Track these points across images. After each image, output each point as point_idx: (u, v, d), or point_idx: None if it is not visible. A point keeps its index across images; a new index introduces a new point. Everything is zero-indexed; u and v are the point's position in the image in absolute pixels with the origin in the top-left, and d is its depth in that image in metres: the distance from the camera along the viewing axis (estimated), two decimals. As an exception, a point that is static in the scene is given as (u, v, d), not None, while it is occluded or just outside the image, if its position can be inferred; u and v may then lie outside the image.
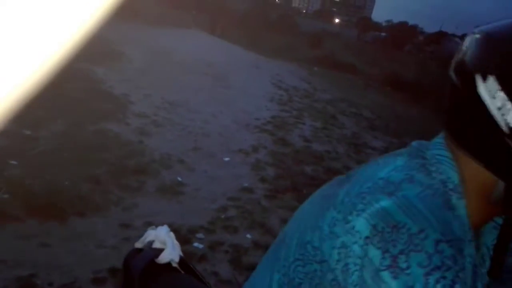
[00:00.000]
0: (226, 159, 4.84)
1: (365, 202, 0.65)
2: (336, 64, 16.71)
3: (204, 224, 3.36)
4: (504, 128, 0.62)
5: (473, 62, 0.66)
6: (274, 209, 3.91)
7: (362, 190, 0.68)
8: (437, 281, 0.56)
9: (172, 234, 1.09)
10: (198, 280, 1.07)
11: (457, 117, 0.70)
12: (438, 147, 0.72)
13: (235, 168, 4.64)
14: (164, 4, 14.89)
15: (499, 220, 0.73)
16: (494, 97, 0.62)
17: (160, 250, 1.05)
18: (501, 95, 0.62)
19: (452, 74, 0.70)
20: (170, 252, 1.04)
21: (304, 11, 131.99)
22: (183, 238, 3.02)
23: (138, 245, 1.09)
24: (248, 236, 3.36)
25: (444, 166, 0.69)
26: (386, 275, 0.58)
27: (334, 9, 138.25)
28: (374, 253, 0.60)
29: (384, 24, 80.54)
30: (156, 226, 1.14)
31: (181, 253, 1.07)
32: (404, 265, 0.57)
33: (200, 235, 3.19)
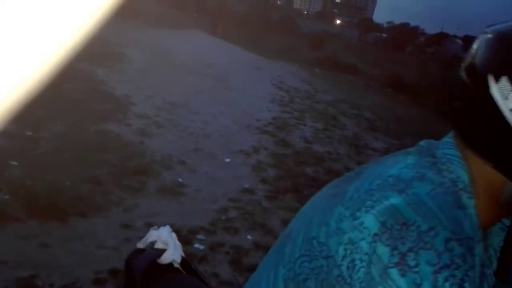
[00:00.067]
0: (227, 160, 4.83)
1: (374, 199, 0.65)
2: (337, 65, 16.72)
3: (204, 225, 3.35)
4: None
5: (485, 63, 0.66)
6: (274, 210, 3.90)
7: (371, 187, 0.67)
8: (446, 280, 0.55)
9: (174, 235, 1.08)
10: (199, 281, 1.07)
11: (467, 117, 0.69)
12: (448, 146, 0.71)
13: (236, 169, 4.64)
14: (165, 5, 14.90)
15: (507, 222, 0.73)
16: (506, 98, 0.62)
17: (162, 251, 1.05)
18: None
19: (463, 74, 0.69)
20: (172, 252, 1.04)
21: (306, 12, 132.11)
22: (184, 239, 3.01)
23: (140, 245, 1.09)
24: (249, 237, 3.35)
25: (454, 165, 0.68)
26: (394, 272, 0.58)
27: (336, 11, 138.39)
28: (383, 250, 0.59)
29: (385, 25, 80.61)
30: (158, 227, 1.14)
31: (183, 254, 1.07)
32: (412, 263, 0.57)
33: (200, 236, 3.18)
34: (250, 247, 3.22)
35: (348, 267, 0.64)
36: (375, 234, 0.61)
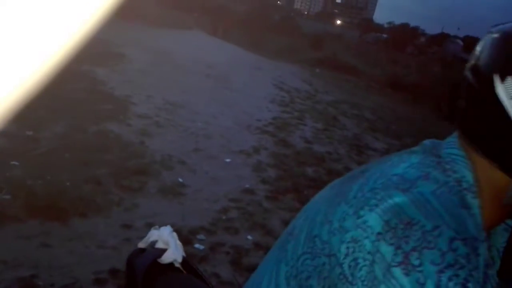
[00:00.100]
0: (227, 160, 4.83)
1: (378, 197, 0.65)
2: (337, 65, 16.69)
3: (205, 225, 3.35)
4: None
5: (491, 63, 0.65)
6: (275, 210, 3.90)
7: (375, 186, 0.67)
8: (449, 279, 0.55)
9: (175, 234, 1.09)
10: (201, 281, 1.07)
11: (472, 117, 0.69)
12: (452, 146, 0.71)
13: (236, 169, 4.64)
14: (165, 5, 14.89)
15: (510, 222, 0.73)
16: None
17: (163, 250, 1.05)
18: None
19: (468, 74, 0.69)
20: (173, 252, 1.04)
21: (306, 12, 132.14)
22: (184, 239, 3.01)
23: (141, 245, 1.09)
24: (249, 237, 3.35)
25: (459, 165, 0.68)
26: (397, 271, 0.57)
27: (336, 11, 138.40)
28: (386, 249, 0.59)
29: (385, 25, 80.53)
30: (158, 226, 1.14)
31: (184, 254, 1.07)
32: (416, 262, 0.57)
33: (201, 236, 3.18)
34: (250, 247, 3.22)
35: (350, 266, 0.63)
36: (379, 233, 0.61)
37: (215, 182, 4.20)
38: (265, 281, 0.80)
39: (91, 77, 6.51)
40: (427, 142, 0.75)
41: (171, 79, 7.83)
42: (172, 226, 1.15)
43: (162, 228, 1.10)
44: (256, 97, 8.41)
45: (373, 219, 0.63)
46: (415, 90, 13.92)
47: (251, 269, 2.71)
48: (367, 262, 0.61)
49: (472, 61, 0.69)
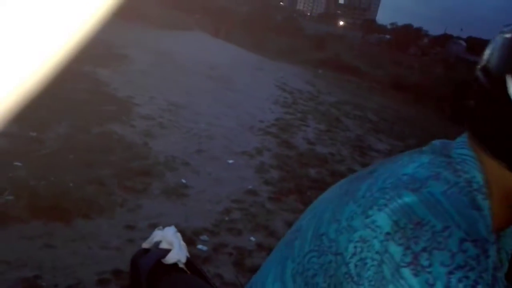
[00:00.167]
0: (230, 161, 4.83)
1: (387, 197, 0.64)
2: (340, 66, 16.71)
3: (208, 226, 3.35)
4: None
5: (503, 63, 0.65)
6: (278, 211, 3.90)
7: (385, 186, 0.66)
8: (459, 281, 0.55)
9: (179, 235, 1.09)
10: (204, 281, 1.07)
11: (482, 117, 0.68)
12: (462, 146, 0.71)
13: (239, 171, 4.64)
14: (167, 6, 14.92)
15: None
16: None
17: (167, 251, 1.05)
18: None
19: (479, 74, 0.68)
20: (177, 252, 1.04)
21: (309, 13, 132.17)
22: (187, 240, 3.00)
23: (146, 245, 1.10)
24: (252, 238, 3.35)
25: (469, 165, 0.67)
26: (406, 272, 0.57)
27: (339, 12, 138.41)
28: (395, 249, 0.59)
29: (388, 26, 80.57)
30: (162, 227, 1.14)
31: (187, 254, 1.08)
32: (426, 263, 0.56)
33: (204, 237, 3.18)
34: (253, 248, 3.22)
35: (356, 265, 0.63)
36: (388, 233, 0.60)
37: (218, 183, 4.20)
38: (270, 278, 0.80)
39: (94, 78, 6.52)
40: (436, 142, 0.75)
41: (173, 80, 7.84)
42: (175, 227, 1.15)
43: (166, 229, 1.10)
44: (259, 98, 8.41)
45: (382, 219, 0.62)
46: (418, 90, 13.91)
47: (254, 270, 2.71)
48: (375, 262, 0.61)
49: (483, 61, 0.69)
